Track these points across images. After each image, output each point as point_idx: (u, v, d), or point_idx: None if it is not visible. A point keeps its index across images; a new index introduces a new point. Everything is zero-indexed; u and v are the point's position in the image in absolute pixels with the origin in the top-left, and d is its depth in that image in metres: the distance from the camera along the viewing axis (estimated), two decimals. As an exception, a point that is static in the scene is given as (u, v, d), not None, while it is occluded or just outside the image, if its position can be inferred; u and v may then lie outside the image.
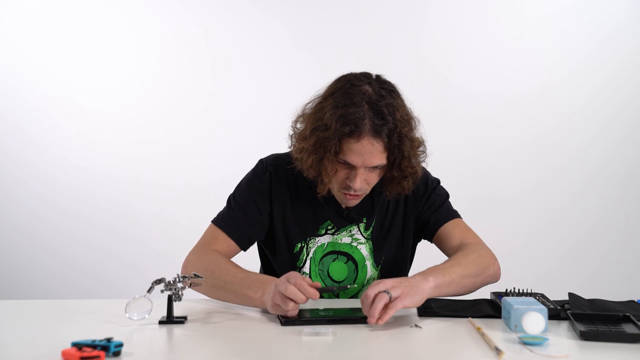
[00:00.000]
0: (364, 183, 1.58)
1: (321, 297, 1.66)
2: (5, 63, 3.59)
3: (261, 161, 1.76)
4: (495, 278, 1.62)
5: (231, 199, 1.73)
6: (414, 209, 1.75)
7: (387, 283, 1.38)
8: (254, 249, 1.81)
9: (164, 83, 3.58)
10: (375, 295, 1.35)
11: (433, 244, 1.77)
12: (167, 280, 1.40)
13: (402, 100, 1.59)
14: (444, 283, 1.46)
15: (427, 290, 1.42)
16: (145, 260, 3.52)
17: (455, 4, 3.50)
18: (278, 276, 1.65)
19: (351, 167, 1.56)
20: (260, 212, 1.69)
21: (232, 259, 1.64)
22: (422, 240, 1.81)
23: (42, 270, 3.59)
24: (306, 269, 1.70)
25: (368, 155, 1.53)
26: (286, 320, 1.38)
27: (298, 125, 1.63)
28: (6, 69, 3.59)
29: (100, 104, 3.58)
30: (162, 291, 1.40)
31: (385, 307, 1.35)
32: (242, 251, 1.71)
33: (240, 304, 1.52)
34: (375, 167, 1.57)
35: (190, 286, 1.43)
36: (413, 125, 1.60)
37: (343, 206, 1.69)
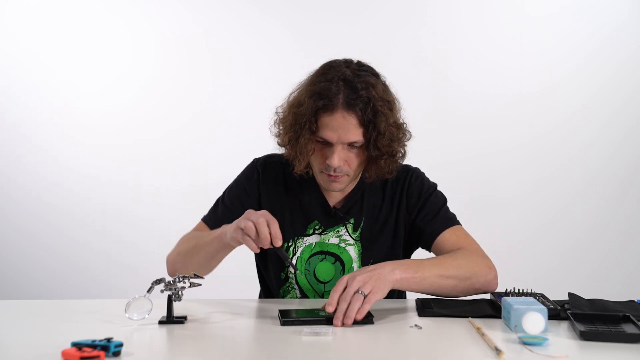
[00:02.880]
0: (342, 162, 1.57)
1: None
2: (5, 63, 3.59)
3: (254, 160, 1.81)
4: (488, 287, 1.57)
5: (220, 197, 1.78)
6: (406, 214, 1.72)
7: (357, 282, 1.37)
8: (250, 256, 1.81)
9: (164, 83, 3.58)
10: (349, 297, 1.35)
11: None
12: (167, 280, 1.41)
13: (382, 83, 1.61)
14: (413, 279, 1.45)
15: (390, 282, 1.41)
16: (145, 260, 3.52)
17: (455, 4, 3.50)
18: (271, 280, 1.74)
19: (329, 145, 1.57)
20: (245, 209, 1.69)
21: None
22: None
23: (42, 270, 3.60)
24: (292, 268, 1.71)
25: (343, 130, 1.54)
26: (285, 320, 1.38)
27: (280, 111, 1.67)
28: (6, 69, 3.59)
29: (100, 104, 3.59)
30: (162, 291, 1.40)
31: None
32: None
33: (212, 251, 1.59)
34: (352, 146, 1.57)
35: (190, 286, 1.43)
36: (391, 105, 1.60)
37: (327, 189, 1.66)
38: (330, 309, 1.36)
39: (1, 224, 3.62)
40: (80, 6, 3.57)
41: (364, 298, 1.35)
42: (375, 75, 1.61)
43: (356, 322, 1.38)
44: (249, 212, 1.49)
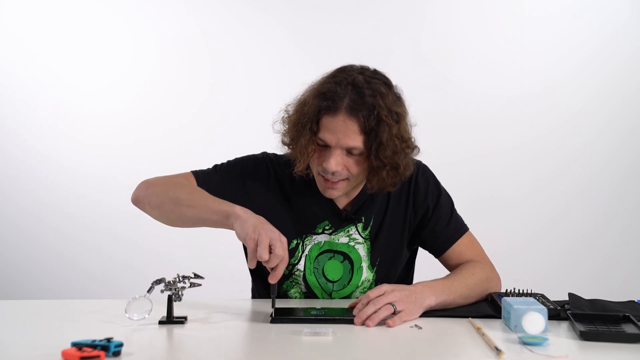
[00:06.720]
0: (340, 167, 1.53)
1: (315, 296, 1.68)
2: (5, 63, 3.59)
3: (265, 153, 1.76)
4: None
5: (219, 166, 1.73)
6: (413, 213, 1.70)
7: (395, 295, 1.40)
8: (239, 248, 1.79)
9: (164, 83, 3.58)
10: (380, 304, 1.39)
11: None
12: (167, 281, 1.40)
13: (395, 94, 1.56)
14: (446, 302, 1.49)
15: (427, 307, 1.46)
16: (145, 260, 3.52)
17: (455, 4, 3.50)
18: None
19: (328, 148, 1.54)
20: (235, 192, 1.66)
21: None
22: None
23: (42, 270, 3.59)
24: (300, 266, 1.68)
25: (342, 134, 1.50)
26: (274, 318, 1.39)
27: (289, 109, 1.64)
28: (5, 69, 3.59)
29: (100, 104, 3.58)
30: (162, 291, 1.40)
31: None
32: None
33: (205, 219, 1.50)
34: (352, 152, 1.53)
35: (190, 286, 1.43)
36: (399, 118, 1.54)
37: (323, 194, 1.62)
38: (355, 311, 1.39)
39: (1, 224, 3.62)
40: (80, 6, 3.57)
41: (394, 312, 1.38)
42: (388, 85, 1.56)
43: (344, 322, 1.38)
44: (273, 233, 1.39)
